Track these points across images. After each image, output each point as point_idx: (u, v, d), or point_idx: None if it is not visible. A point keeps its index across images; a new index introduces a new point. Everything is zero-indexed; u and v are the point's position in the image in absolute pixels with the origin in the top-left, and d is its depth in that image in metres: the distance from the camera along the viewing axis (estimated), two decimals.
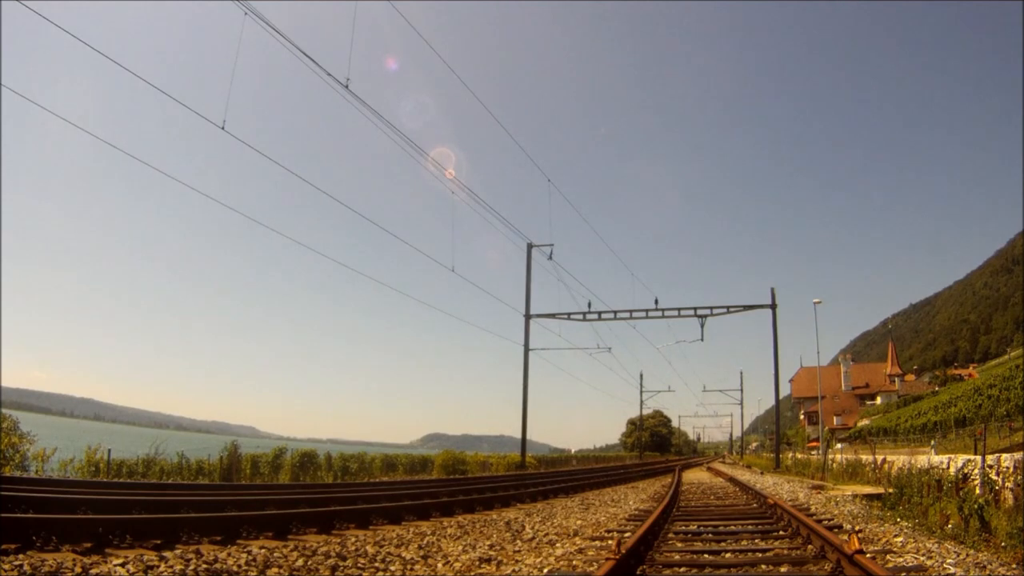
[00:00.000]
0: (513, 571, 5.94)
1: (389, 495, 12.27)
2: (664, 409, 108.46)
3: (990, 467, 11.14)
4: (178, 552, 5.95)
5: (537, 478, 22.67)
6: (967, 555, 6.22)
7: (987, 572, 5.58)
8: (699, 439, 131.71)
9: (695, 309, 33.17)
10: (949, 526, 8.11)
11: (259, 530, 7.39)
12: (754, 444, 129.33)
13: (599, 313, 33.87)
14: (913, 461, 15.82)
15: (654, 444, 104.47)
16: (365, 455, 26.30)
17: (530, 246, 33.37)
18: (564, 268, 58.23)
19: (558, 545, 7.45)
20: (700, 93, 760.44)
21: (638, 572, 5.58)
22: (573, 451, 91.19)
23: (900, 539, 7.32)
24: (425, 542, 7.48)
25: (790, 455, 42.06)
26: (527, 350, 33.47)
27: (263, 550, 6.37)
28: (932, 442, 31.24)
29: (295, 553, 6.29)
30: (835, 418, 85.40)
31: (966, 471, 12.10)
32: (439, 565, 6.19)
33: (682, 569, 5.81)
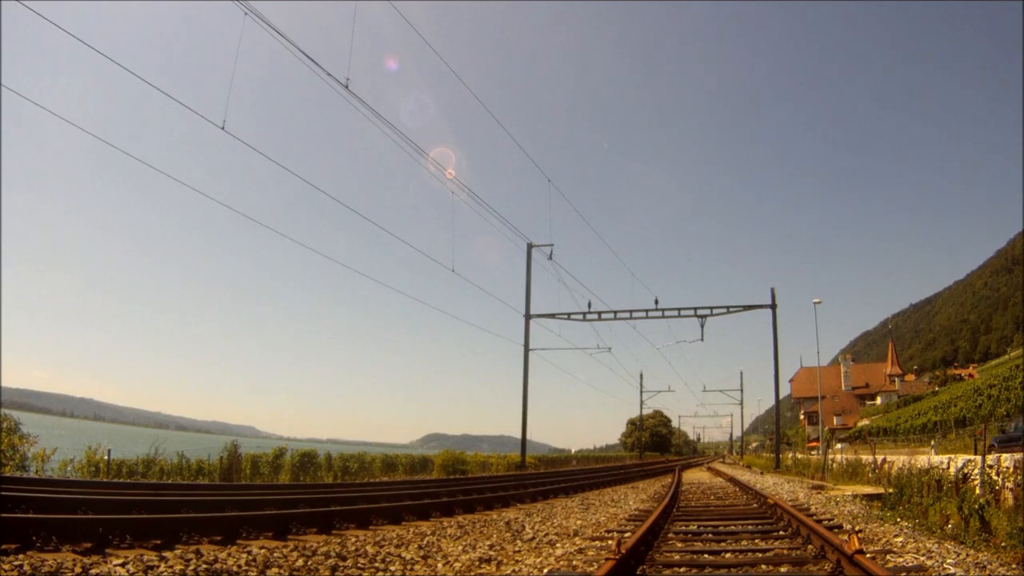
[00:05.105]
0: (513, 571, 5.94)
1: (389, 495, 12.27)
2: (664, 409, 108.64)
3: (990, 467, 11.15)
4: (178, 552, 5.95)
5: (537, 478, 22.67)
6: (967, 555, 6.22)
7: (987, 572, 5.58)
8: (699, 439, 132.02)
9: (695, 309, 33.22)
10: (949, 526, 8.11)
11: (259, 530, 7.39)
12: (754, 444, 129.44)
13: (599, 313, 33.90)
14: (913, 461, 15.83)
15: (654, 444, 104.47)
16: (365, 455, 26.30)
17: (530, 246, 33.38)
18: (564, 268, 58.21)
19: (558, 545, 7.45)
20: (700, 92, 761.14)
21: (638, 572, 5.58)
22: (573, 451, 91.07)
23: (900, 539, 7.32)
24: (425, 542, 7.49)
25: (790, 455, 42.08)
26: (527, 350, 33.49)
27: (263, 550, 6.37)
28: (932, 442, 31.26)
29: (295, 553, 6.29)
30: (835, 418, 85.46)
31: (966, 471, 12.11)
32: (439, 565, 6.19)
33: (682, 569, 5.81)
